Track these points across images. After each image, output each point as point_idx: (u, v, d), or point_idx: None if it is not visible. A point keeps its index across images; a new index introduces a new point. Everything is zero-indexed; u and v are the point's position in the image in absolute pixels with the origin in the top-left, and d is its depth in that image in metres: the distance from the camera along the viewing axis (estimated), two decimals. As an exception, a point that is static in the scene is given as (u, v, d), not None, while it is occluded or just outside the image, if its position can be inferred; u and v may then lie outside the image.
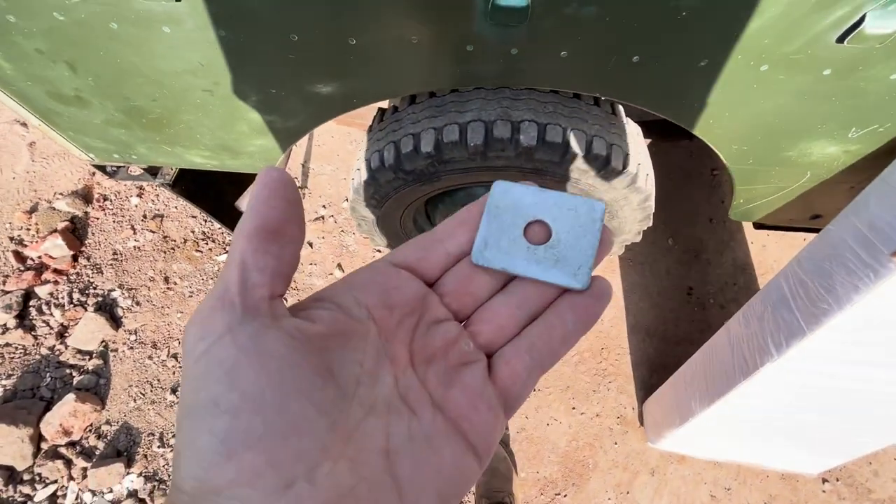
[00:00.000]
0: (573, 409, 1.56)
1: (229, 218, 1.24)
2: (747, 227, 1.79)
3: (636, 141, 1.06)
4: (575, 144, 0.94)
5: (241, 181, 1.24)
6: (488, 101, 0.96)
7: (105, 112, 0.78)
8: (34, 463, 1.48)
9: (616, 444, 1.51)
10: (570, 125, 0.95)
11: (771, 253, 1.74)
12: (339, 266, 1.77)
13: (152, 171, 1.01)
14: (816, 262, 0.82)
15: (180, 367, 1.64)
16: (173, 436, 1.55)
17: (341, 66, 0.63)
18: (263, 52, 0.63)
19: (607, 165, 0.98)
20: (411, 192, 1.13)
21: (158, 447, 1.53)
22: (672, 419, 1.32)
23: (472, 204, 0.31)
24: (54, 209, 1.86)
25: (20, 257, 1.79)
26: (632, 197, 1.09)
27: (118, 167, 1.01)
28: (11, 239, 1.82)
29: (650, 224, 1.21)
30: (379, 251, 1.79)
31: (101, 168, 1.00)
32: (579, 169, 0.99)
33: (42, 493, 1.45)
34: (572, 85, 0.67)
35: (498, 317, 0.29)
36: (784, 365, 0.93)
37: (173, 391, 1.60)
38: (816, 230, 1.15)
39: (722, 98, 0.64)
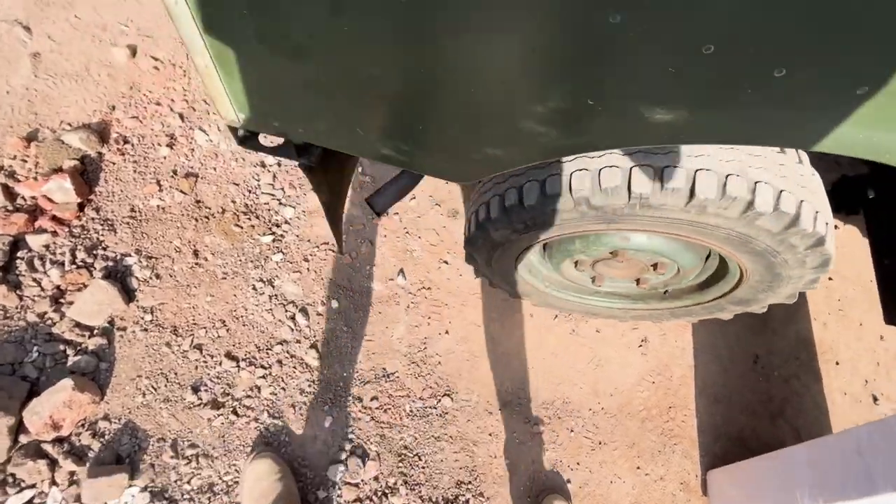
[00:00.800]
0: (638, 468, 1.47)
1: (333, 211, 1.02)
2: (811, 301, 1.79)
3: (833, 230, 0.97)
4: (805, 219, 0.84)
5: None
6: (722, 149, 0.83)
7: (324, 75, 0.57)
8: (9, 460, 1.17)
9: (678, 511, 1.44)
10: (801, 196, 0.84)
11: (831, 332, 1.74)
12: (402, 272, 1.57)
13: (299, 148, 0.78)
14: None
15: (204, 361, 1.38)
16: (190, 444, 1.30)
17: (728, 95, 0.48)
18: (646, 55, 0.45)
19: (821, 245, 0.88)
20: (570, 227, 0.98)
21: (171, 457, 1.27)
22: (760, 501, 1.27)
23: None
24: (62, 143, 1.52)
25: (9, 193, 1.44)
26: (806, 277, 1.01)
27: (254, 133, 0.77)
28: (0, 168, 1.46)
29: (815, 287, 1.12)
30: (445, 262, 1.60)
31: (233, 130, 0.76)
32: (789, 244, 0.88)
33: (14, 500, 1.15)
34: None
35: None
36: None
37: (194, 390, 1.34)
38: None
39: None
